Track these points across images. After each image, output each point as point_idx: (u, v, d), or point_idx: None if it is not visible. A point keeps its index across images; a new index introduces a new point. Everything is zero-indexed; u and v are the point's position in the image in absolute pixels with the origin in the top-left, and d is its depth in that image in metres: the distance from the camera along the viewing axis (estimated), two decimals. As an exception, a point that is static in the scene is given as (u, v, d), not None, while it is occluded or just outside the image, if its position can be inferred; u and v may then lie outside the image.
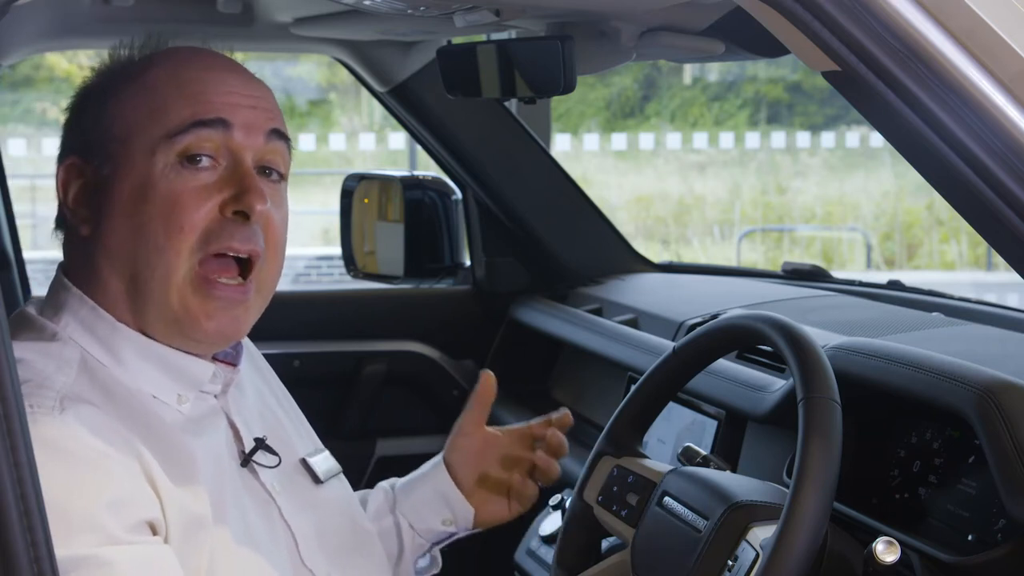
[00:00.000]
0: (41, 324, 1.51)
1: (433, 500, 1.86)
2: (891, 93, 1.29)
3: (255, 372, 1.74)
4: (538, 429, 1.89)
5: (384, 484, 1.92)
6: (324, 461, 1.70)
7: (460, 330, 3.14)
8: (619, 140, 19.71)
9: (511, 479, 1.87)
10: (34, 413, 1.36)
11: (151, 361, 1.51)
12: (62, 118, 1.61)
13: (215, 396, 1.58)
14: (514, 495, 1.88)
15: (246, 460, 1.57)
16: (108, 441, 1.38)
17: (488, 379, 1.88)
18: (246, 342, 1.68)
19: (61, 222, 1.57)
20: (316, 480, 1.67)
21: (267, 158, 1.54)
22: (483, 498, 1.87)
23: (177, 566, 1.39)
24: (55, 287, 1.55)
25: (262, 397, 1.70)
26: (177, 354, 1.53)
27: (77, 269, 1.54)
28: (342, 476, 1.75)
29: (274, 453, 1.60)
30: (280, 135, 1.55)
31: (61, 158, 1.56)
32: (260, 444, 1.59)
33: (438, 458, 1.90)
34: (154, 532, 1.40)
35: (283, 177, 1.57)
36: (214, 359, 1.58)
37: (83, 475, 1.35)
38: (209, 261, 1.49)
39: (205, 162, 1.49)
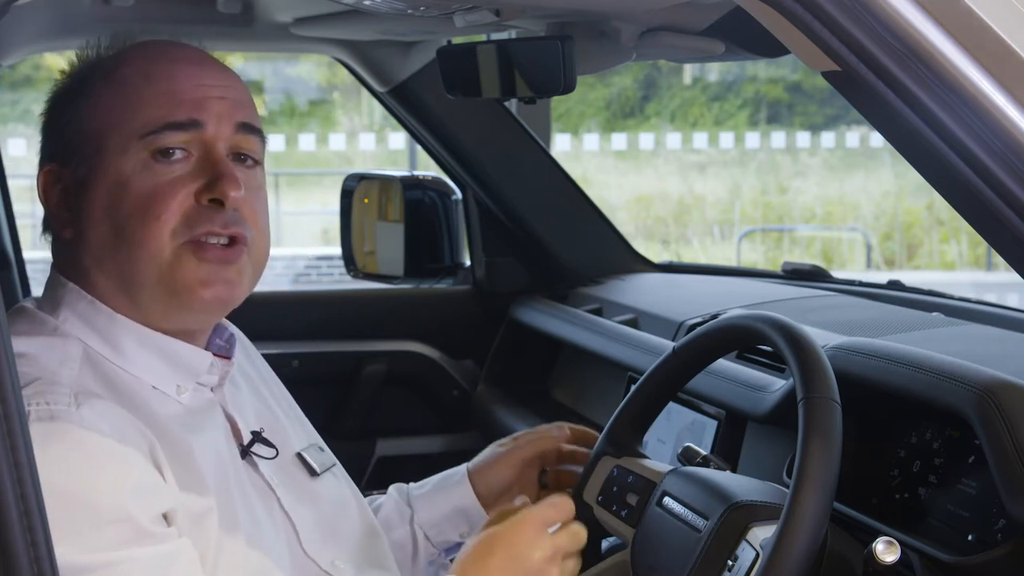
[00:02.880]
0: (41, 318, 1.52)
1: (454, 515, 1.87)
2: (891, 93, 1.29)
3: (249, 366, 1.74)
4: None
5: (393, 492, 1.92)
6: (318, 454, 1.71)
7: (460, 330, 3.14)
8: (619, 140, 19.70)
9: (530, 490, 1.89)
10: (51, 409, 1.37)
11: (150, 350, 1.52)
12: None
13: (211, 390, 1.59)
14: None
15: (245, 452, 1.58)
16: (124, 432, 1.40)
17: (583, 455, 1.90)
18: (239, 335, 1.69)
19: (47, 226, 1.57)
20: (312, 473, 1.67)
21: (241, 146, 1.55)
22: (501, 505, 1.88)
23: (196, 559, 1.40)
24: (51, 284, 1.56)
25: (257, 391, 1.71)
26: (176, 343, 1.53)
27: (67, 270, 1.55)
28: (339, 469, 1.75)
29: (271, 445, 1.61)
30: (250, 128, 1.56)
31: (40, 164, 1.57)
32: (257, 437, 1.60)
33: (461, 474, 1.90)
34: (169, 523, 1.41)
35: (258, 163, 1.58)
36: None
37: (107, 467, 1.36)
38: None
39: (178, 155, 1.50)
